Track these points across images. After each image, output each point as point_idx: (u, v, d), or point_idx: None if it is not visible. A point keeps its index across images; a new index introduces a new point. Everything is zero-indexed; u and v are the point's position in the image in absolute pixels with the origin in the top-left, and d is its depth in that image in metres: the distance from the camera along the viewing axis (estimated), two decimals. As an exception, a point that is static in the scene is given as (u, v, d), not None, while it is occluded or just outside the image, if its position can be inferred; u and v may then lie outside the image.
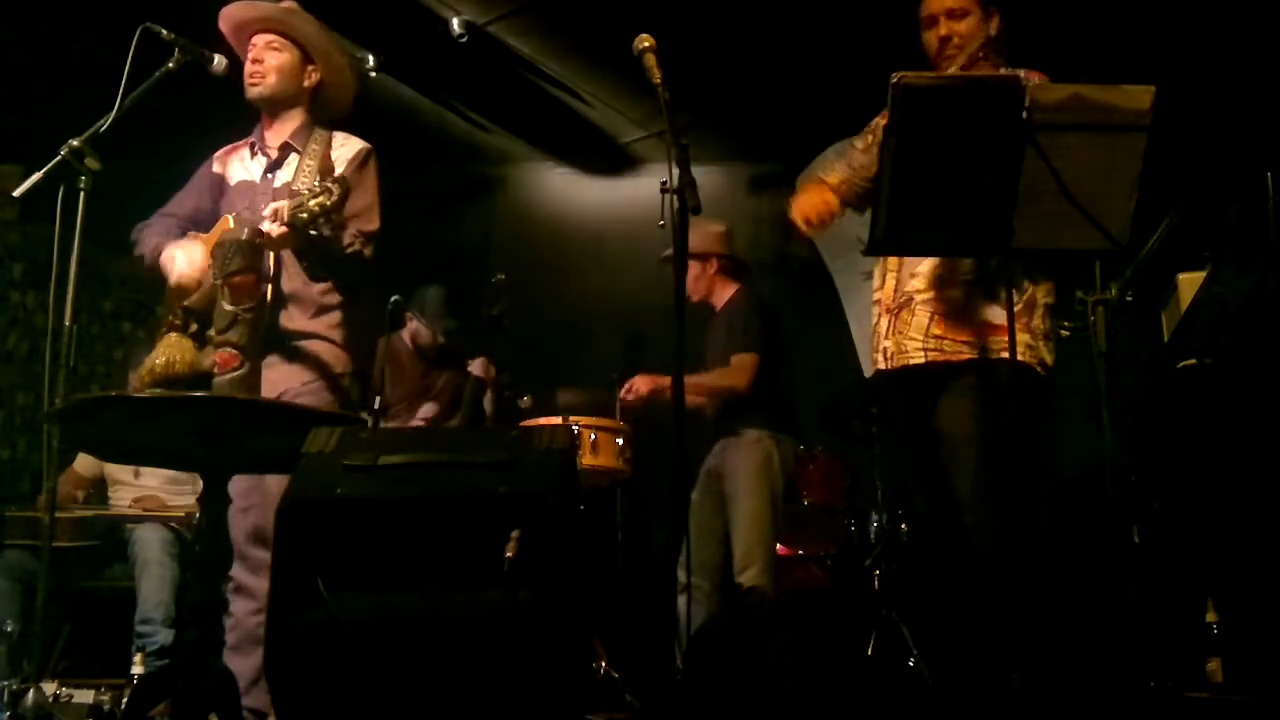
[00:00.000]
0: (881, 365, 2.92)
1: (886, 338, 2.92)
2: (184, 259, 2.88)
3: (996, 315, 2.75)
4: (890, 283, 2.95)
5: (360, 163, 3.05)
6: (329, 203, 2.63)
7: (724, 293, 4.53)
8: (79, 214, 2.75)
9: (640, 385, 4.39)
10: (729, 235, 4.57)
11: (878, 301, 3.00)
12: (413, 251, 5.22)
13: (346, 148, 3.07)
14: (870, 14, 4.39)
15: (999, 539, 2.67)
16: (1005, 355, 2.67)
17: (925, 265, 2.87)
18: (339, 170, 2.95)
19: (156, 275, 2.96)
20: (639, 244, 4.82)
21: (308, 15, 3.12)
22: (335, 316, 3.01)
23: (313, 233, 2.71)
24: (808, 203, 2.91)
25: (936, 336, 2.80)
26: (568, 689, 2.00)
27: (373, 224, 2.99)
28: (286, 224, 2.68)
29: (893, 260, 2.96)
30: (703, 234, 4.35)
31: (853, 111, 3.14)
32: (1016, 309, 2.71)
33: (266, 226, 2.71)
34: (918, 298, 2.86)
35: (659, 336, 4.70)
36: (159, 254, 2.96)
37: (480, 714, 1.95)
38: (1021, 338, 2.72)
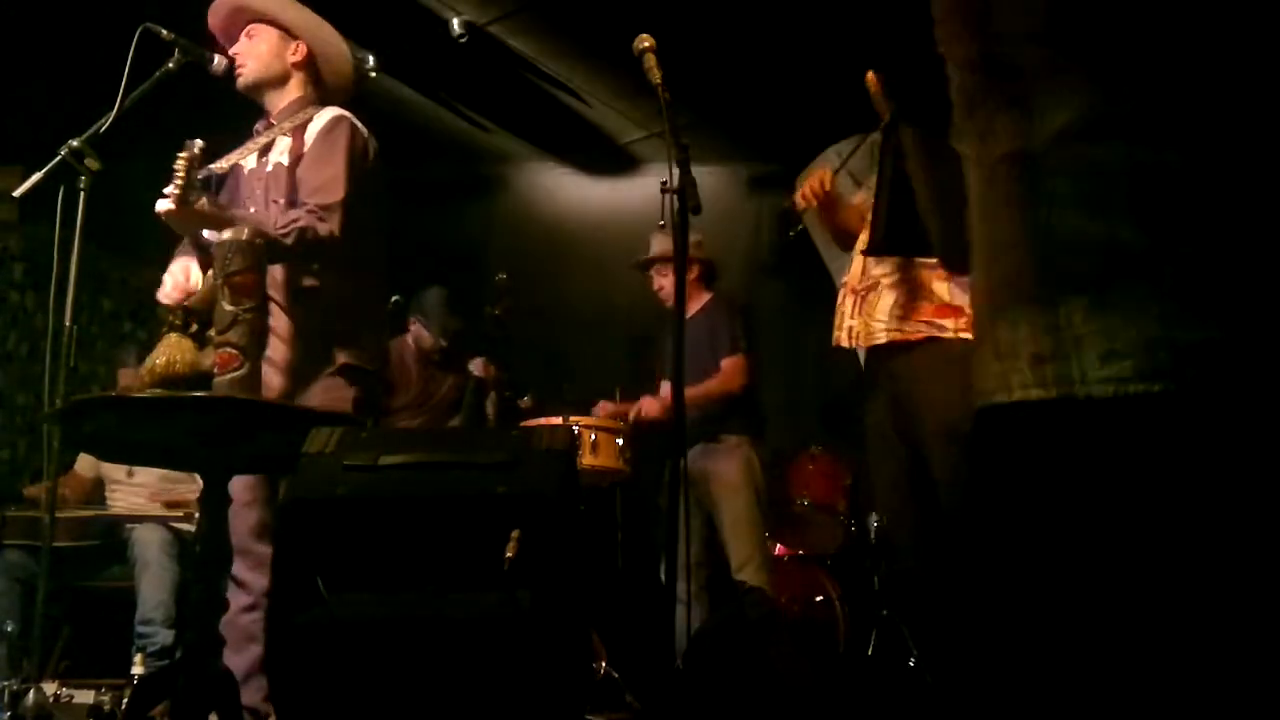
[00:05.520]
0: (845, 344, 3.01)
1: (852, 317, 3.00)
2: (169, 281, 2.88)
3: (952, 295, 2.81)
4: (857, 266, 3.04)
5: (327, 130, 2.93)
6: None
7: (697, 299, 4.54)
8: (79, 214, 2.75)
9: (649, 408, 4.40)
10: (701, 243, 4.57)
11: (844, 284, 3.08)
12: (413, 252, 5.21)
13: (319, 118, 2.98)
14: (870, 14, 4.38)
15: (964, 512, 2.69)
16: (956, 334, 2.77)
17: None
18: (309, 145, 2.91)
19: None
20: (639, 244, 4.82)
21: None
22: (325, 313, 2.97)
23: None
24: (808, 184, 3.07)
25: (898, 317, 2.88)
26: (568, 689, 2.01)
27: (335, 195, 2.82)
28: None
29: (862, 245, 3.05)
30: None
31: (853, 112, 3.14)
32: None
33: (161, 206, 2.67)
34: (884, 281, 2.93)
35: (657, 337, 4.70)
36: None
37: (480, 714, 1.95)
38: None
